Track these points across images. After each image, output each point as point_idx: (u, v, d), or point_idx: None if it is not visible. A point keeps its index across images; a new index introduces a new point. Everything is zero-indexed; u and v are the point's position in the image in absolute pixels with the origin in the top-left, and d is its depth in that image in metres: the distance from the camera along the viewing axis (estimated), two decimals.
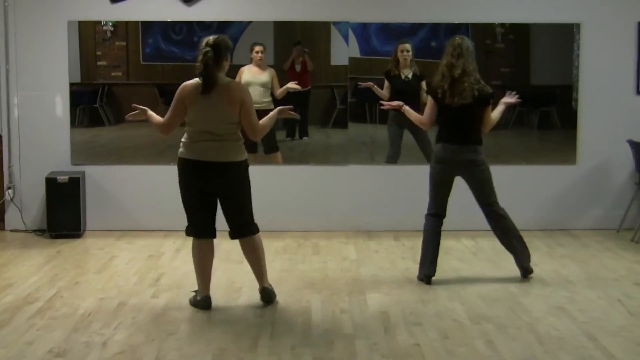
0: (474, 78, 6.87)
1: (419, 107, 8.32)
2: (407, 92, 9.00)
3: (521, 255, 7.18)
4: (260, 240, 6.49)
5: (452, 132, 6.97)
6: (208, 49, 6.10)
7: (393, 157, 9.35)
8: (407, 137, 9.26)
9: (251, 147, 6.98)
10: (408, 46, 9.14)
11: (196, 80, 6.18)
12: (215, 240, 6.39)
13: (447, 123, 7.01)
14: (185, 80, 6.19)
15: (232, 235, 6.44)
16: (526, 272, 7.17)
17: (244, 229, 6.41)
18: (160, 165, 9.08)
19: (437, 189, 7.09)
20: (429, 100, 7.03)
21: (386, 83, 9.22)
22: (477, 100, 6.88)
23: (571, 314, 6.21)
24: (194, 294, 6.52)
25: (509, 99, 7.22)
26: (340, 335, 5.78)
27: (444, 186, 7.08)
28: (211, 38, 6.17)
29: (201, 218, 6.32)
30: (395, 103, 7.37)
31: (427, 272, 7.09)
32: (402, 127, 9.18)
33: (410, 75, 9.16)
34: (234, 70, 8.63)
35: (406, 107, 7.28)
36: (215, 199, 6.33)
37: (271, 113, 6.46)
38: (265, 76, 9.12)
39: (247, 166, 6.35)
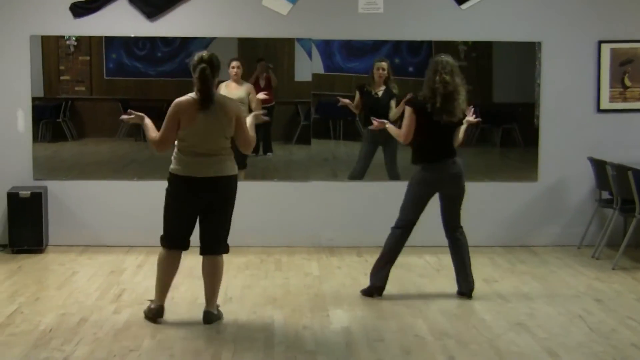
0: (463, 97, 6.90)
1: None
2: (376, 108, 9.03)
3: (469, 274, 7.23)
4: (223, 262, 6.46)
5: (435, 150, 6.96)
6: (204, 65, 6.01)
7: (360, 173, 9.37)
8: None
9: (240, 163, 6.86)
10: (384, 64, 9.19)
11: (190, 96, 6.11)
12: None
13: (430, 141, 6.95)
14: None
15: (204, 251, 6.37)
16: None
17: (219, 245, 6.38)
18: (122, 181, 9.01)
19: (416, 206, 7.03)
20: (410, 116, 6.92)
21: (357, 96, 9.29)
22: (462, 118, 6.96)
23: (531, 330, 6.26)
24: (149, 302, 6.52)
25: (471, 118, 7.23)
26: (303, 351, 5.78)
27: (423, 204, 7.05)
28: (204, 54, 6.09)
29: (179, 230, 6.28)
30: (380, 122, 7.28)
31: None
32: (376, 145, 9.27)
33: (380, 93, 9.22)
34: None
35: (389, 125, 7.26)
36: (197, 214, 6.30)
37: (249, 123, 6.39)
38: (241, 91, 9.00)
39: (237, 181, 6.35)
